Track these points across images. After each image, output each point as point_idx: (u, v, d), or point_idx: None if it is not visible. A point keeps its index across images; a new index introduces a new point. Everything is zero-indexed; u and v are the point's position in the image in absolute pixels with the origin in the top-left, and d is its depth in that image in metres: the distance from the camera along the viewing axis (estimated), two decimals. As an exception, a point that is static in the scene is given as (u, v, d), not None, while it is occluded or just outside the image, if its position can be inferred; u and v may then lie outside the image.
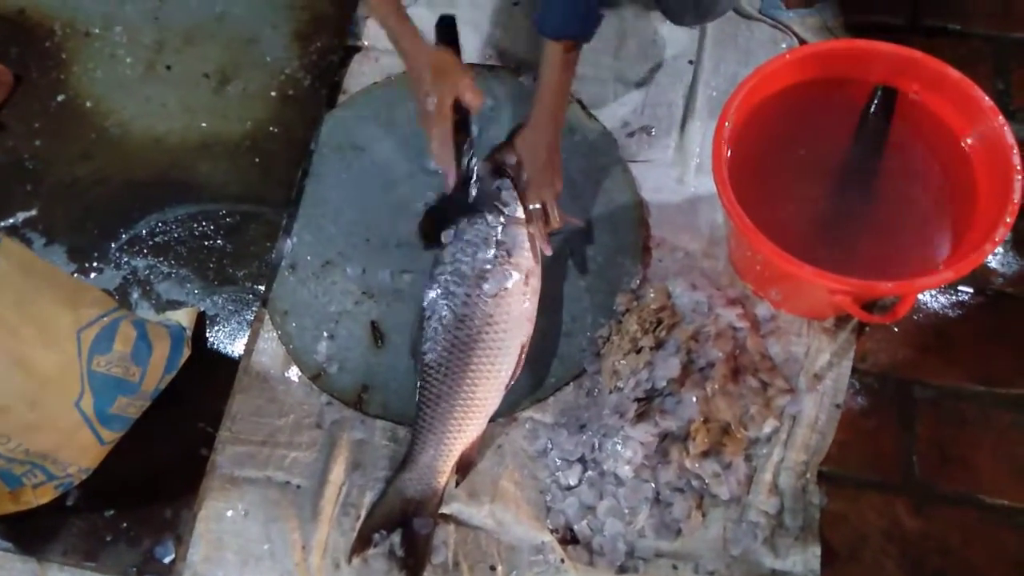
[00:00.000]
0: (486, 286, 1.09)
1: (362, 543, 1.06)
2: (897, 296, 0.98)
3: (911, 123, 1.07)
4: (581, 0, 1.04)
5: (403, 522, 1.06)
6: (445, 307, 1.09)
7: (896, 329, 1.16)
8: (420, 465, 1.06)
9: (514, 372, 1.09)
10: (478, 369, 1.06)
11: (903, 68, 1.05)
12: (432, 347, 1.08)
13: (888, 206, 1.06)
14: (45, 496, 1.10)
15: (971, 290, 1.18)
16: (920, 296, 1.17)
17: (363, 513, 1.09)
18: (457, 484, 1.09)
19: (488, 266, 1.10)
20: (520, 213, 1.14)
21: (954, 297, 1.18)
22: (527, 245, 1.13)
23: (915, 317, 1.17)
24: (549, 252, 1.14)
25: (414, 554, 1.05)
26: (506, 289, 1.09)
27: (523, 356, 1.10)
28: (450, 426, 1.06)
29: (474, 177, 1.15)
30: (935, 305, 1.17)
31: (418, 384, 1.09)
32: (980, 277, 1.18)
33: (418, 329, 1.12)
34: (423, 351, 1.09)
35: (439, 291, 1.11)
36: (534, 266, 1.13)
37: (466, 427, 1.07)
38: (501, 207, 1.14)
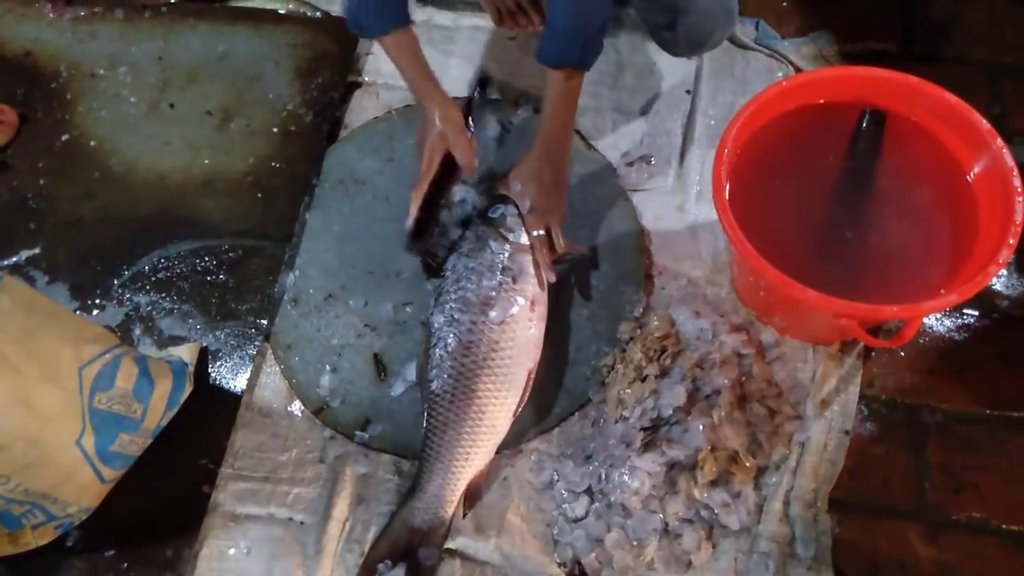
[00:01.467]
0: (492, 313, 1.09)
1: (367, 573, 1.05)
2: (902, 320, 0.98)
3: (911, 148, 1.07)
4: (579, 30, 1.05)
5: (408, 552, 1.04)
6: (451, 334, 1.09)
7: (903, 353, 1.15)
8: (427, 494, 1.05)
9: (522, 398, 1.08)
10: (484, 396, 1.06)
11: (900, 93, 1.06)
12: (438, 375, 1.08)
13: (890, 230, 1.06)
14: (45, 537, 1.08)
15: (976, 313, 1.17)
16: (925, 320, 1.17)
17: (367, 548, 1.07)
18: (464, 515, 1.07)
19: (493, 293, 1.10)
20: (524, 240, 1.14)
21: (960, 320, 1.17)
22: (532, 272, 1.13)
23: (921, 341, 1.16)
24: (553, 279, 1.14)
25: None
26: (511, 315, 1.09)
27: (531, 382, 1.09)
28: (457, 454, 1.05)
29: (436, 230, 1.19)
30: (941, 328, 1.17)
31: (424, 412, 1.08)
32: (985, 299, 1.18)
33: (423, 357, 1.11)
34: (428, 379, 1.09)
35: (444, 318, 1.11)
36: (539, 293, 1.13)
37: (474, 455, 1.05)
38: (506, 234, 1.14)
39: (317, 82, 1.45)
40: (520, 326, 1.09)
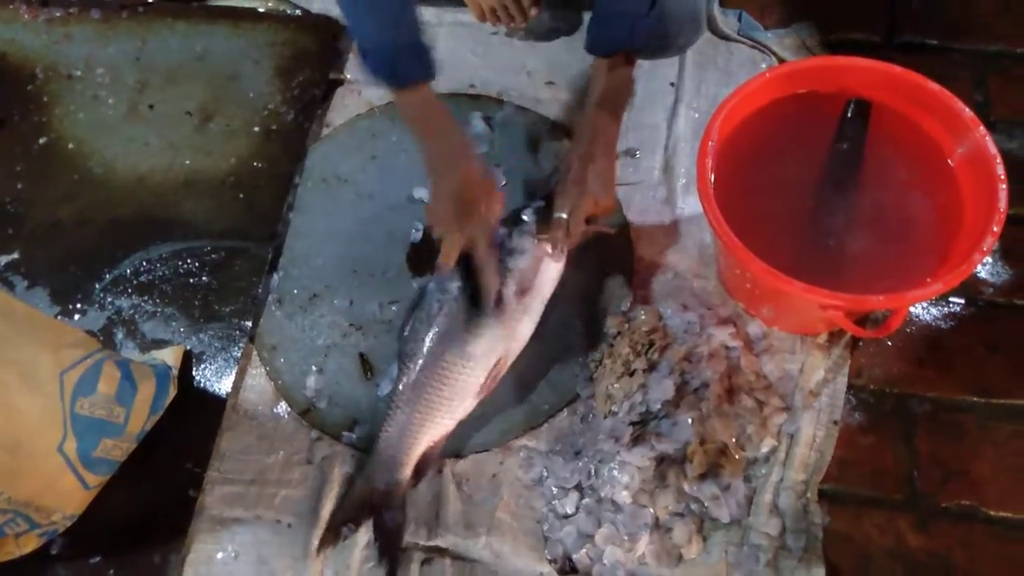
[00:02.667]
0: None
1: (331, 535, 1.06)
2: (889, 310, 0.98)
3: (894, 137, 1.07)
4: (626, 12, 1.04)
5: (369, 515, 1.06)
6: (436, 301, 1.08)
7: (890, 343, 1.15)
8: (384, 456, 1.06)
9: (487, 382, 1.08)
10: (449, 368, 1.06)
11: (882, 82, 1.05)
12: (413, 336, 1.08)
13: (876, 220, 1.06)
14: (28, 545, 1.07)
15: (962, 301, 1.17)
16: (912, 309, 1.17)
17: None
18: (414, 485, 1.08)
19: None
20: (532, 227, 1.12)
21: (946, 308, 1.17)
22: (530, 259, 1.10)
23: (908, 330, 1.16)
24: (559, 264, 1.11)
25: (388, 546, 1.05)
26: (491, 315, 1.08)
27: (501, 369, 1.09)
28: (414, 419, 1.06)
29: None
30: (927, 317, 1.17)
31: (395, 375, 1.09)
32: (970, 288, 1.18)
33: (406, 317, 1.12)
34: (405, 338, 1.09)
35: (435, 285, 1.11)
36: (534, 284, 1.11)
37: (430, 423, 1.06)
38: (520, 216, 1.13)
39: (298, 80, 1.43)
40: (505, 308, 1.08)
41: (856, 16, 1.40)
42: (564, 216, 1.09)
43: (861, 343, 1.15)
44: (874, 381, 1.13)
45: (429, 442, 1.08)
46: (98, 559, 1.09)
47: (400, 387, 1.07)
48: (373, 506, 1.06)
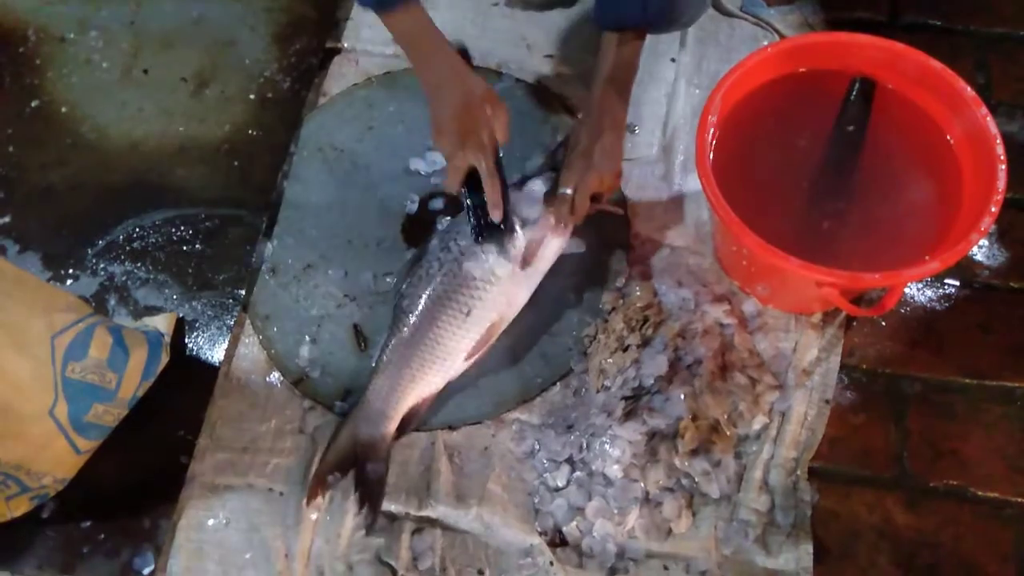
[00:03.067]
0: (480, 247, 1.08)
1: (319, 484, 1.07)
2: (884, 288, 0.98)
3: (895, 116, 1.06)
4: None
5: (356, 464, 1.07)
6: (436, 259, 1.08)
7: (883, 324, 1.15)
8: (372, 408, 1.07)
9: (479, 346, 1.08)
10: (443, 327, 1.06)
11: (885, 60, 1.05)
12: (410, 292, 1.09)
13: (874, 198, 1.06)
14: (19, 508, 1.07)
15: (957, 283, 1.17)
16: (907, 290, 1.17)
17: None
18: (397, 437, 1.09)
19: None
20: (539, 196, 1.11)
21: (940, 290, 1.17)
22: (535, 230, 1.09)
23: (902, 311, 1.16)
24: (563, 238, 1.10)
25: (370, 497, 1.06)
26: (497, 258, 1.07)
27: (493, 335, 1.09)
28: (404, 374, 1.07)
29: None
30: (922, 299, 1.17)
31: (389, 328, 1.10)
32: (966, 269, 1.18)
33: (405, 271, 1.12)
34: (401, 294, 1.10)
35: (438, 242, 1.11)
36: (536, 254, 1.10)
37: (419, 379, 1.07)
38: (529, 185, 1.12)
39: (295, 48, 1.41)
40: (503, 275, 1.08)
41: (861, -5, 1.39)
42: (570, 191, 1.09)
43: (855, 323, 1.15)
44: (867, 361, 1.14)
45: (417, 398, 1.08)
46: (89, 524, 1.10)
47: (393, 342, 1.08)
48: (357, 456, 1.07)
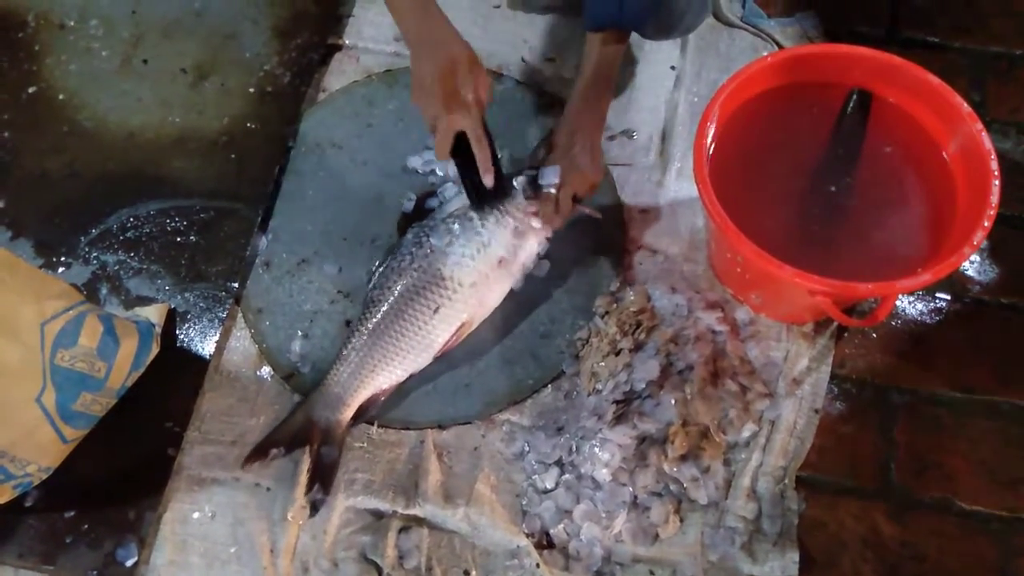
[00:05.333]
0: (455, 245, 1.08)
1: (259, 453, 1.07)
2: (876, 299, 0.98)
3: (891, 128, 1.07)
4: None
5: (305, 444, 1.08)
6: (410, 253, 1.09)
7: (874, 335, 1.16)
8: (330, 393, 1.08)
9: (447, 343, 1.09)
10: (410, 320, 1.07)
11: (883, 73, 1.05)
12: (380, 283, 1.10)
13: (869, 210, 1.07)
14: (2, 497, 1.05)
15: (948, 297, 1.18)
16: (898, 303, 1.18)
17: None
18: (352, 424, 1.10)
19: (470, 231, 1.09)
20: (520, 194, 1.10)
21: (932, 304, 1.18)
22: (513, 228, 1.10)
23: (893, 323, 1.17)
24: (541, 238, 1.11)
25: (322, 478, 1.07)
26: (472, 257, 1.08)
27: (462, 334, 1.09)
28: (366, 363, 1.07)
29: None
30: (913, 312, 1.18)
31: (358, 317, 1.11)
32: (957, 284, 1.19)
33: (379, 263, 1.13)
34: (372, 285, 1.11)
35: (413, 236, 1.11)
36: (514, 255, 1.10)
37: (381, 371, 1.08)
38: (510, 183, 1.11)
39: (296, 43, 1.41)
40: (478, 273, 1.08)
41: (859, 9, 1.40)
42: (553, 191, 1.09)
43: (846, 334, 1.16)
44: (857, 372, 1.14)
45: (376, 388, 1.09)
46: (73, 513, 1.09)
47: (360, 329, 1.08)
48: (311, 439, 1.08)
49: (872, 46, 1.07)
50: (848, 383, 1.13)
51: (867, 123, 1.07)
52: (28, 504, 1.09)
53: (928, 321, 1.17)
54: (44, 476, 1.06)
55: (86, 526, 1.08)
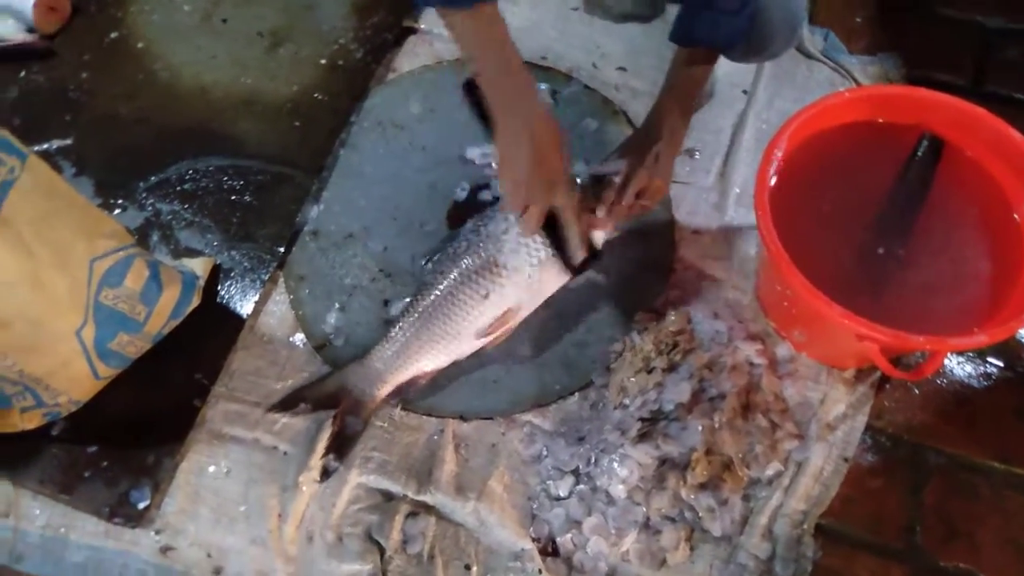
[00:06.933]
0: (511, 233, 1.06)
1: (287, 404, 1.10)
2: (925, 353, 0.95)
3: (961, 180, 1.04)
4: (710, 3, 1.00)
5: (332, 408, 1.09)
6: (467, 240, 1.08)
7: (917, 391, 1.12)
8: (371, 368, 1.08)
9: (492, 329, 1.07)
10: (460, 304, 1.06)
11: (962, 122, 1.02)
12: (436, 267, 1.09)
13: (929, 259, 1.03)
14: (32, 422, 1.08)
15: (1000, 364, 1.14)
16: (946, 361, 1.14)
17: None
18: (390, 402, 1.11)
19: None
20: (578, 192, 1.07)
21: (982, 368, 1.14)
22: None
23: (939, 381, 1.13)
24: (602, 232, 1.08)
25: (339, 448, 1.07)
26: (527, 246, 1.06)
27: (508, 324, 1.08)
28: (412, 344, 1.07)
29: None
30: (961, 373, 1.14)
31: (410, 298, 1.11)
32: (1012, 352, 1.14)
33: (436, 248, 1.12)
34: (428, 268, 1.11)
35: (472, 224, 1.10)
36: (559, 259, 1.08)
37: (426, 353, 1.08)
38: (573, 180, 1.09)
39: (372, 21, 1.43)
40: (532, 264, 1.07)
41: (945, 56, 1.37)
42: (617, 180, 1.07)
43: (888, 385, 1.12)
44: (893, 426, 1.11)
45: (418, 371, 1.09)
46: (95, 449, 1.11)
47: (410, 311, 1.08)
48: (339, 407, 1.08)
49: (953, 95, 1.04)
50: (883, 436, 1.10)
51: (937, 170, 1.03)
52: (54, 433, 1.11)
53: (975, 384, 1.13)
54: (73, 409, 1.09)
55: (105, 463, 1.10)
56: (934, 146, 1.05)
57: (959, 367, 1.14)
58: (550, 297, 1.12)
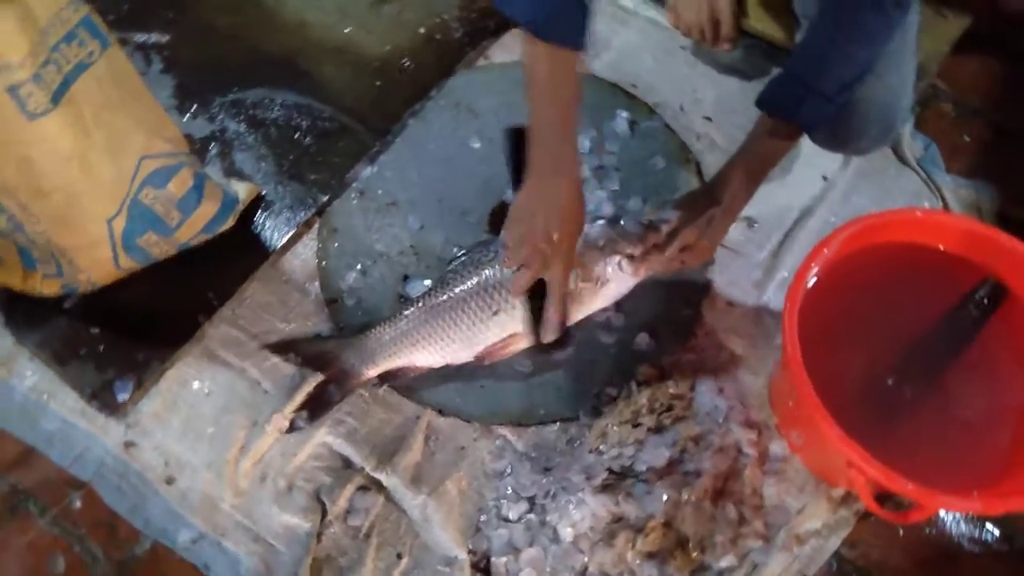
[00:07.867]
0: None
1: (278, 348, 1.12)
2: (914, 501, 0.90)
3: (1017, 332, 0.97)
4: (802, 77, 0.96)
5: (318, 371, 1.09)
6: (495, 251, 1.07)
7: (902, 532, 1.07)
8: (365, 346, 1.08)
9: (493, 348, 1.07)
10: (467, 313, 1.06)
11: (1032, 276, 0.96)
12: (458, 268, 1.09)
13: (955, 407, 0.97)
14: (50, 289, 1.13)
15: (998, 532, 1.07)
16: (942, 513, 1.08)
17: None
18: (375, 385, 1.11)
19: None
20: (616, 235, 1.07)
21: (978, 531, 1.07)
22: (603, 265, 1.06)
23: (927, 531, 1.07)
24: (628, 281, 1.08)
25: (313, 409, 1.08)
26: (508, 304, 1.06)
27: (509, 343, 1.07)
28: (409, 336, 1.07)
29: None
30: (955, 529, 1.07)
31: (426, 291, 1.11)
32: (1013, 526, 1.07)
33: (471, 248, 1.12)
34: (449, 268, 1.10)
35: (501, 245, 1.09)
36: (596, 290, 1.07)
37: (421, 348, 1.08)
38: (617, 221, 1.09)
39: (480, 5, 1.43)
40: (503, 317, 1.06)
41: (1047, 201, 1.28)
42: (665, 229, 1.05)
43: (873, 518, 1.07)
44: (866, 560, 1.05)
45: (409, 362, 1.09)
46: (96, 331, 1.15)
47: (420, 302, 1.08)
48: (326, 372, 1.09)
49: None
50: (851, 567, 1.05)
51: (990, 316, 0.98)
52: (66, 306, 1.16)
53: (965, 545, 1.06)
54: (90, 288, 1.13)
55: (101, 348, 1.14)
56: (995, 293, 0.99)
57: (955, 524, 1.08)
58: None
